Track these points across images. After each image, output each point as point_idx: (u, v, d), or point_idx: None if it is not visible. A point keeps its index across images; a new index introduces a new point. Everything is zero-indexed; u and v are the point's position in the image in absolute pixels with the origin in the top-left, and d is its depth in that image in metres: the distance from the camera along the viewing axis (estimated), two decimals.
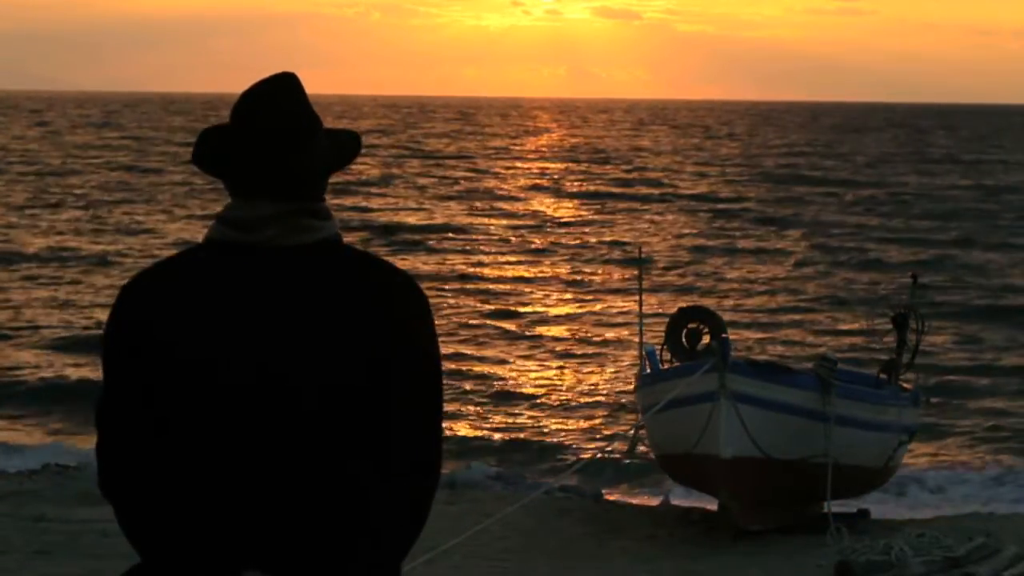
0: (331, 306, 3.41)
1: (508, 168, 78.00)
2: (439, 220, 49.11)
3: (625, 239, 43.48)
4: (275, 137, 3.45)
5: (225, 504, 3.38)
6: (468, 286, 34.08)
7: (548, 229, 47.68)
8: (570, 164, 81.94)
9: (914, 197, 59.92)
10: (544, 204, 57.70)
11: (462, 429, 20.02)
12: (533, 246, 42.54)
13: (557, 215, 52.91)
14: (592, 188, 64.84)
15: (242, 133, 3.47)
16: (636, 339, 17.69)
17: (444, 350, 22.30)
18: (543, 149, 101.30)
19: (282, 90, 3.49)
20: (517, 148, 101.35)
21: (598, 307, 31.35)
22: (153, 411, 3.41)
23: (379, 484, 3.41)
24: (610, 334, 27.77)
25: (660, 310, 25.88)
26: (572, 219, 51.30)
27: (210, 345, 3.38)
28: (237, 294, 3.41)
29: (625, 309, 30.04)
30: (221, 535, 3.38)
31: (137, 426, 3.42)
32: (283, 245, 3.45)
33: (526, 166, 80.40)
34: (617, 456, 17.68)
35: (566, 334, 28.02)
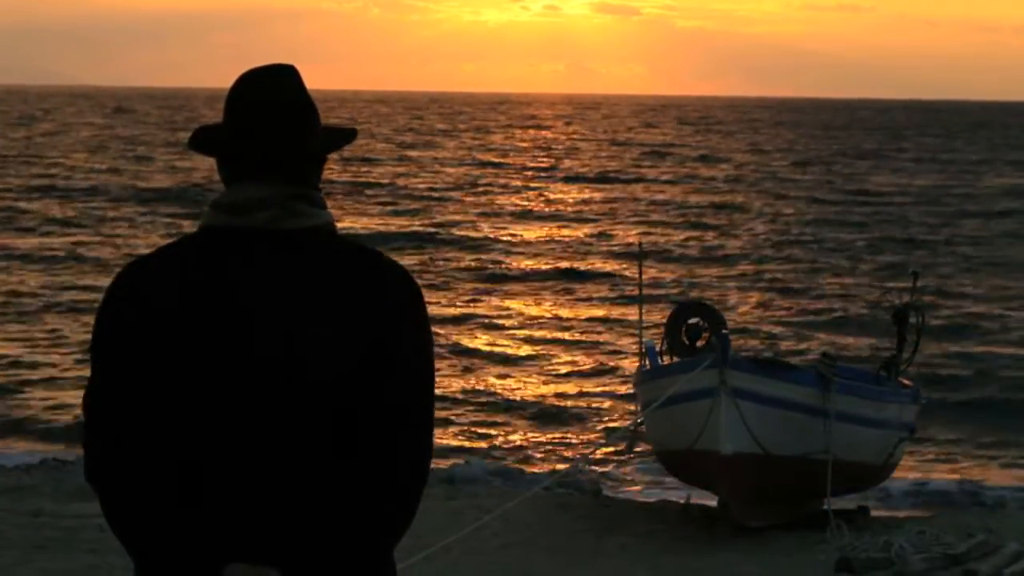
0: (324, 291, 3.39)
1: (504, 158, 78.05)
2: (430, 217, 49.14)
3: (625, 233, 43.45)
4: (272, 116, 3.45)
5: (214, 494, 3.37)
6: (464, 282, 34.02)
7: (546, 223, 47.63)
8: (570, 159, 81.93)
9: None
10: (541, 197, 57.65)
11: (460, 424, 19.97)
12: (532, 241, 42.48)
13: (554, 208, 52.84)
14: (592, 180, 64.90)
15: (239, 112, 3.46)
16: (635, 335, 17.66)
17: (441, 344, 22.18)
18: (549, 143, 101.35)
19: (280, 74, 3.50)
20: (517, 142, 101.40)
21: (597, 302, 31.31)
22: (144, 398, 3.38)
23: (369, 474, 3.37)
24: (609, 330, 27.73)
25: (659, 306, 25.86)
26: (570, 212, 51.25)
27: (203, 332, 3.36)
28: (231, 279, 3.39)
29: (624, 304, 30.00)
30: (210, 525, 3.36)
31: (127, 413, 3.39)
32: (277, 229, 3.43)
33: (522, 160, 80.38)
34: (617, 452, 17.64)
35: (565, 329, 27.98)
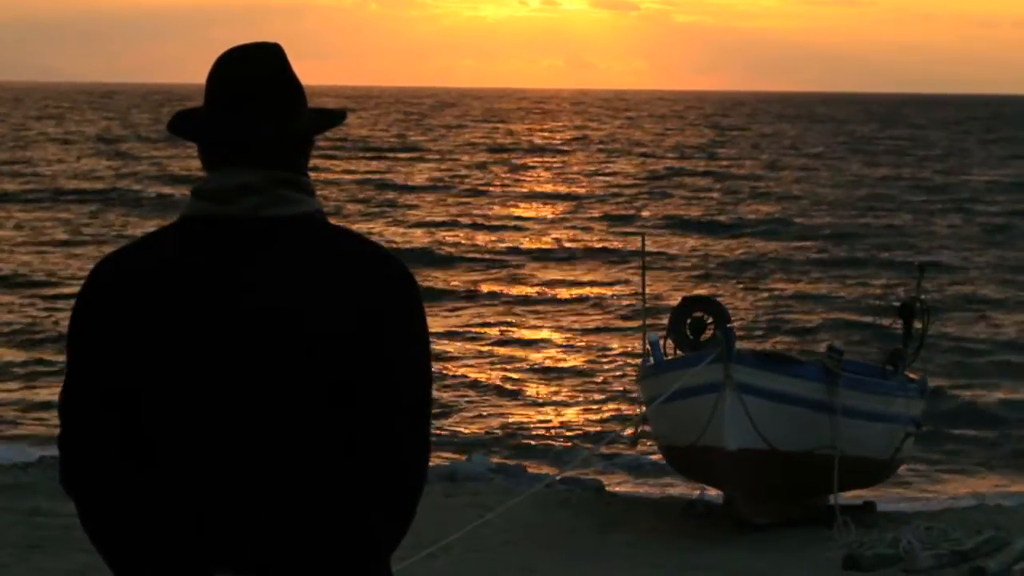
0: (315, 281, 3.19)
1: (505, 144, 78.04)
2: (424, 209, 49.01)
3: (628, 227, 43.39)
4: (255, 96, 3.25)
5: (198, 500, 3.17)
6: (469, 276, 33.94)
7: (549, 216, 47.56)
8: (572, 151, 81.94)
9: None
10: (542, 189, 57.59)
11: (461, 421, 19.85)
12: (534, 235, 42.41)
13: (556, 201, 52.79)
14: (594, 172, 64.87)
15: (220, 92, 3.26)
16: (638, 329, 17.51)
17: (442, 340, 22.00)
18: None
19: (263, 52, 3.30)
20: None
21: (600, 296, 31.22)
22: (124, 399, 3.19)
23: (365, 473, 3.19)
24: (613, 324, 27.63)
25: (664, 300, 25.75)
26: (572, 205, 51.17)
27: (187, 327, 3.16)
28: (213, 271, 3.19)
29: (628, 298, 29.91)
30: (193, 534, 3.17)
31: (104, 416, 3.20)
32: (263, 216, 3.22)
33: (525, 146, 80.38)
34: (620, 448, 17.52)
35: (568, 324, 27.88)
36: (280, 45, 3.32)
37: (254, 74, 3.26)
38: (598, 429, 19.49)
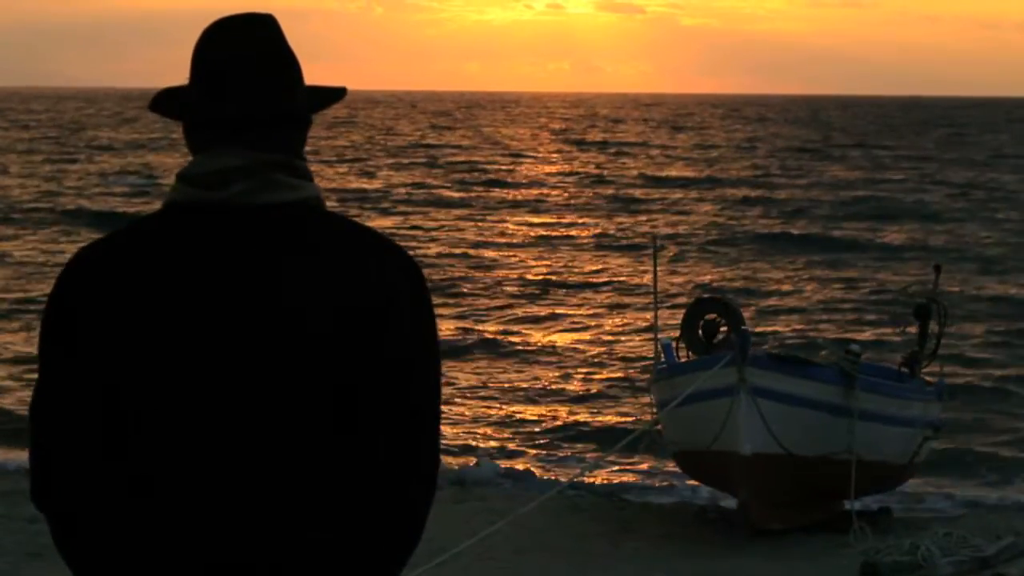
0: (314, 275, 2.91)
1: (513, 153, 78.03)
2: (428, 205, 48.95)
3: (640, 227, 43.30)
4: (247, 70, 2.97)
5: (188, 518, 2.89)
6: (476, 277, 33.80)
7: (555, 217, 47.46)
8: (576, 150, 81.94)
9: None
10: (550, 189, 57.53)
11: (470, 425, 19.66)
12: (541, 234, 42.29)
13: (565, 201, 52.70)
14: (601, 174, 64.78)
15: (208, 67, 2.98)
16: (650, 332, 17.33)
17: (451, 342, 21.75)
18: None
19: (255, 22, 3.01)
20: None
21: (611, 298, 31.07)
22: (101, 407, 2.90)
23: (371, 483, 2.94)
24: (624, 326, 27.48)
25: (676, 301, 25.58)
26: (581, 205, 51.10)
27: (168, 324, 2.88)
28: (198, 263, 2.91)
29: (639, 299, 29.79)
30: (184, 555, 2.90)
31: (80, 426, 2.92)
32: (254, 203, 2.94)
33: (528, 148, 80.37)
34: (631, 452, 17.31)
35: (577, 327, 27.72)
36: (273, 16, 3.06)
37: (245, 47, 2.99)
38: (610, 433, 19.27)
